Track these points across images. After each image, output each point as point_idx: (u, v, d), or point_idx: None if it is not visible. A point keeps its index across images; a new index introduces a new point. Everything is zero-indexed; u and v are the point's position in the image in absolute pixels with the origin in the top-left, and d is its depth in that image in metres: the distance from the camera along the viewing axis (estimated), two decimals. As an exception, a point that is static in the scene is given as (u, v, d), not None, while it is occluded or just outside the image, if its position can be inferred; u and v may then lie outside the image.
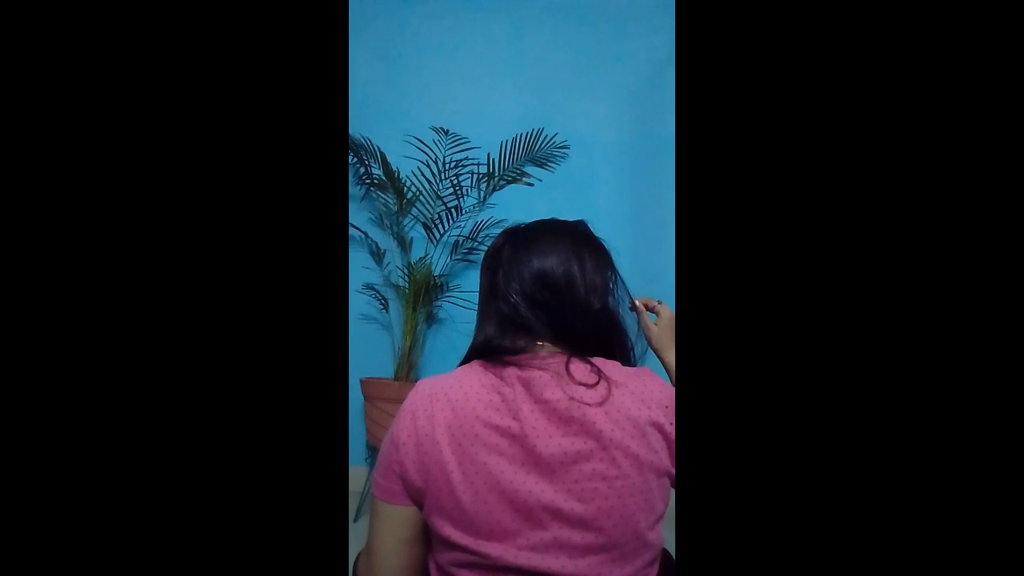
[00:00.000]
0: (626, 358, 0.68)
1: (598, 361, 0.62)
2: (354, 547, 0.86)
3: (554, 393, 0.59)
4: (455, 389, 0.61)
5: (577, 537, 0.56)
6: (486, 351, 0.66)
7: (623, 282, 0.72)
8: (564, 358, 0.62)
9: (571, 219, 0.74)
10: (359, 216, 2.14)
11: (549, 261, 0.65)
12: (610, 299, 0.68)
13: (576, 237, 0.69)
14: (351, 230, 2.09)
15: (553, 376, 0.60)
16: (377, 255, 2.09)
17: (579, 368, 0.61)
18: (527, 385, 0.60)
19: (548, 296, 0.65)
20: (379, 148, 1.96)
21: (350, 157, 2.04)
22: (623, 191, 2.17)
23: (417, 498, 0.61)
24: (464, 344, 0.72)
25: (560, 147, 2.12)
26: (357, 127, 2.02)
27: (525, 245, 0.68)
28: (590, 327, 0.65)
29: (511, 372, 0.62)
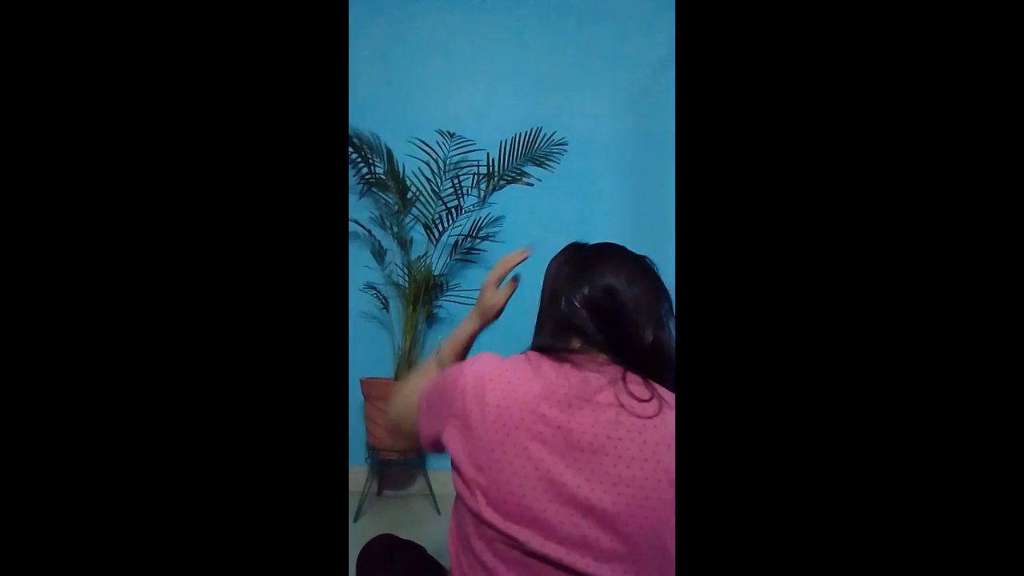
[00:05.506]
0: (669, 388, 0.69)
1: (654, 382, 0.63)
2: (354, 547, 0.87)
3: (607, 397, 0.60)
4: (511, 372, 0.63)
5: (605, 539, 0.56)
6: (543, 350, 0.68)
7: (673, 315, 0.72)
8: (621, 369, 0.63)
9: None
10: (359, 215, 2.14)
11: (617, 276, 0.67)
12: (662, 332, 0.68)
13: (642, 267, 0.70)
14: (355, 227, 2.09)
15: (609, 382, 0.62)
16: (378, 254, 2.09)
17: (635, 381, 0.62)
18: (583, 382, 0.61)
19: (611, 306, 0.66)
20: (386, 145, 1.96)
21: (352, 155, 2.04)
22: (623, 191, 2.17)
23: (441, 447, 0.65)
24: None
25: (559, 144, 2.12)
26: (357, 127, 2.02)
27: (595, 259, 0.70)
28: (643, 352, 0.66)
29: (568, 368, 0.63)
